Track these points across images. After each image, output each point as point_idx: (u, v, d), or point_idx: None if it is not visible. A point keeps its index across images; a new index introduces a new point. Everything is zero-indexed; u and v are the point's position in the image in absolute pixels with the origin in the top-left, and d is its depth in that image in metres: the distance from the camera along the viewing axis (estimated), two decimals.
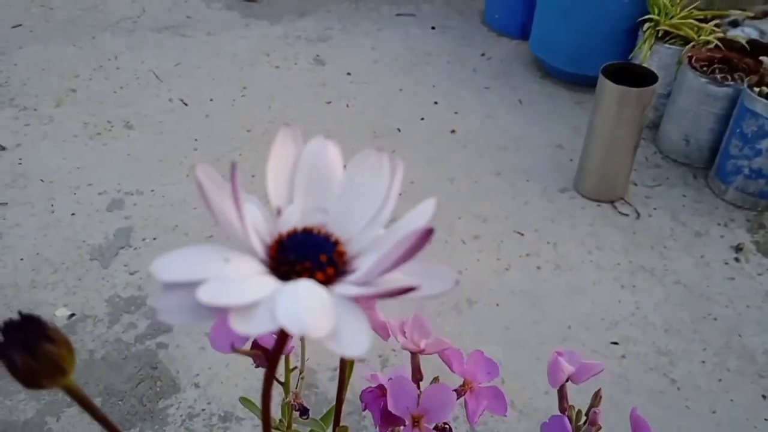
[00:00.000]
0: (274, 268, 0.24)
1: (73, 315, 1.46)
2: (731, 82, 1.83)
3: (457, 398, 0.52)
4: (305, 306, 0.21)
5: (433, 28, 2.66)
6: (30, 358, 0.27)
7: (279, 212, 0.27)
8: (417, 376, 0.55)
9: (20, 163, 1.88)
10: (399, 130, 2.07)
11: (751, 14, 2.13)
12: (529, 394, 1.32)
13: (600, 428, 0.57)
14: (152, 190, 1.80)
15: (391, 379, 0.53)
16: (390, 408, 0.51)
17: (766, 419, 1.32)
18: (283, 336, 0.27)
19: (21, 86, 2.20)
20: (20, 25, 2.54)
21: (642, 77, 1.69)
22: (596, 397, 0.55)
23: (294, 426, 0.62)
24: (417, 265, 0.23)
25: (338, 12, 2.74)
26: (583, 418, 0.56)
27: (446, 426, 0.53)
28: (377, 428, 0.54)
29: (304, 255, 0.24)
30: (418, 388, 0.52)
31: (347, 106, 2.19)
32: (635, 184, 1.88)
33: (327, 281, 0.24)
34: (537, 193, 1.86)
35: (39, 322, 0.28)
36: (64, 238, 1.65)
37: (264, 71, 2.35)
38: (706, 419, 1.31)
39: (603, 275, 1.61)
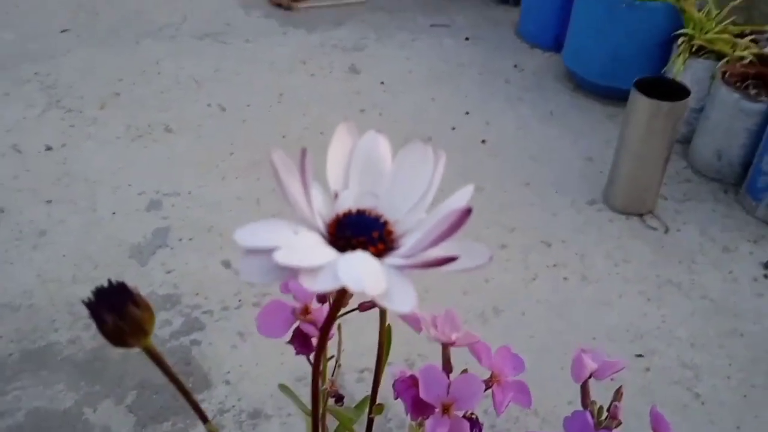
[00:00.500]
0: (333, 242, 0.28)
1: None
2: (765, 98, 1.83)
3: (485, 390, 0.55)
4: (362, 270, 0.25)
5: (466, 39, 2.69)
6: (118, 319, 0.32)
7: (336, 196, 0.31)
8: (447, 367, 0.58)
9: (65, 163, 1.96)
10: (430, 138, 2.10)
11: None
12: (552, 403, 1.34)
13: (620, 423, 0.59)
14: (189, 192, 1.86)
15: (422, 370, 0.57)
16: (422, 395, 0.54)
17: None
18: (340, 298, 0.31)
19: (67, 89, 2.29)
20: (68, 30, 2.64)
21: (675, 91, 1.70)
22: (618, 393, 0.58)
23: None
24: (456, 242, 0.27)
25: (373, 22, 2.79)
26: (605, 414, 0.58)
27: (473, 416, 0.56)
28: (408, 416, 0.57)
29: (358, 232, 0.28)
30: (448, 378, 0.55)
31: (380, 114, 2.23)
32: (665, 198, 1.89)
33: (378, 254, 0.28)
34: (566, 205, 1.87)
35: (126, 288, 0.32)
36: (105, 236, 1.72)
37: (300, 79, 2.41)
38: None
39: (629, 288, 1.62)
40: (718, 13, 2.04)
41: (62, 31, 2.63)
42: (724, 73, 1.91)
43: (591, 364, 0.58)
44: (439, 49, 2.61)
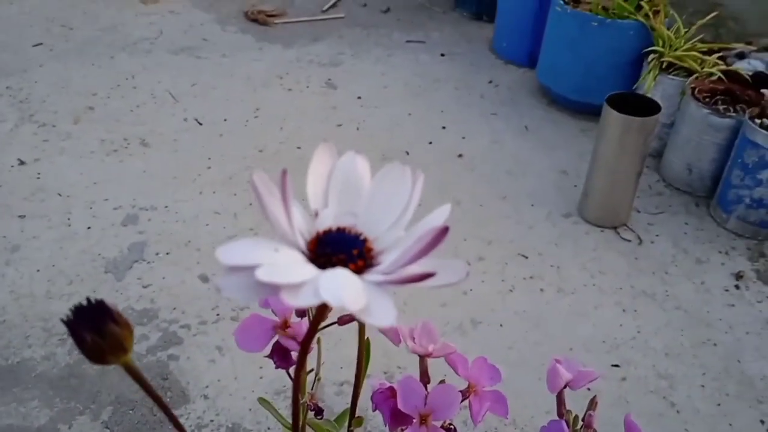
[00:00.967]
0: (313, 260, 0.28)
1: None
2: (733, 114, 1.88)
3: (462, 400, 0.56)
4: (342, 286, 0.25)
5: (442, 55, 2.73)
6: (97, 337, 0.32)
7: (317, 214, 0.31)
8: (425, 379, 0.59)
9: (38, 178, 1.94)
10: (407, 153, 2.12)
11: (754, 48, 2.18)
12: (530, 413, 1.35)
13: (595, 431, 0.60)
14: (166, 207, 1.85)
15: (400, 381, 0.57)
16: (399, 406, 0.54)
17: None
18: (320, 313, 0.31)
19: (40, 103, 2.26)
20: (41, 43, 2.61)
21: (646, 107, 1.74)
22: (592, 403, 0.59)
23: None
24: (433, 259, 0.27)
25: (350, 38, 2.81)
26: (580, 423, 0.59)
27: (451, 426, 0.56)
28: (387, 427, 0.58)
29: (338, 249, 0.29)
30: (426, 389, 0.55)
31: (357, 129, 2.24)
32: (638, 211, 1.92)
33: (357, 271, 0.28)
34: (541, 218, 1.89)
35: (105, 306, 0.32)
36: (80, 251, 1.70)
37: (277, 93, 2.41)
38: None
39: (605, 299, 1.64)
40: (687, 31, 2.10)
41: (35, 45, 2.60)
42: (693, 89, 1.96)
43: (566, 374, 0.59)
44: (415, 65, 2.64)
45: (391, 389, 0.57)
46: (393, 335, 0.59)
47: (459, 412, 0.55)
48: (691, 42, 2.07)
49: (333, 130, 2.22)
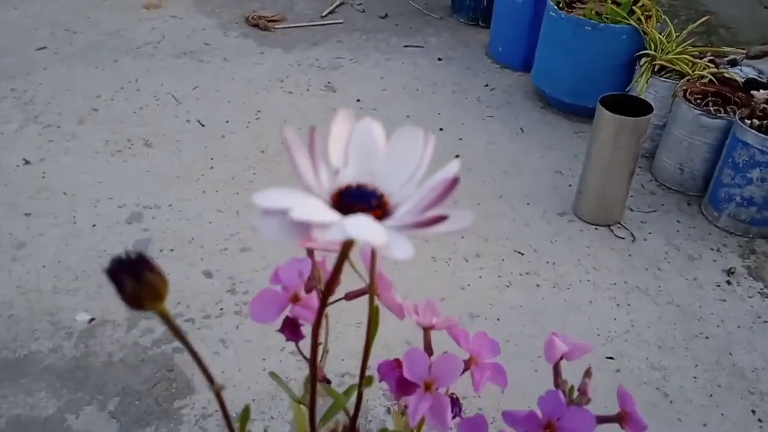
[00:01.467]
0: (336, 209, 0.32)
1: (93, 320, 1.53)
2: (724, 115, 1.93)
3: (464, 371, 0.59)
4: (366, 224, 0.29)
5: (439, 59, 2.77)
6: (136, 284, 0.35)
7: (337, 173, 0.35)
8: (428, 350, 0.62)
9: (44, 177, 1.97)
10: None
11: (745, 52, 2.24)
12: (527, 404, 1.38)
13: (590, 400, 0.64)
14: (170, 205, 1.88)
15: (406, 352, 0.61)
16: (405, 375, 0.58)
17: None
18: (345, 251, 0.35)
19: (45, 105, 2.30)
20: (45, 47, 2.65)
21: (638, 108, 1.78)
22: (587, 373, 0.62)
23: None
24: (443, 209, 0.31)
25: (349, 42, 2.86)
26: (576, 393, 0.63)
27: (453, 395, 0.60)
28: (393, 396, 0.61)
29: (359, 200, 0.33)
30: (429, 359, 0.59)
31: None
32: (631, 210, 1.97)
33: (376, 219, 0.32)
34: (537, 216, 1.94)
35: (144, 257, 0.36)
36: (85, 248, 1.73)
37: (278, 96, 2.45)
38: (697, 431, 1.37)
39: (599, 294, 1.68)
40: (678, 35, 2.15)
41: (39, 49, 2.64)
42: (685, 91, 2.01)
43: (562, 346, 0.62)
44: (413, 69, 2.68)
45: (397, 360, 0.60)
46: (397, 310, 0.62)
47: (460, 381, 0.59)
48: (682, 46, 2.12)
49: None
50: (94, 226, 1.81)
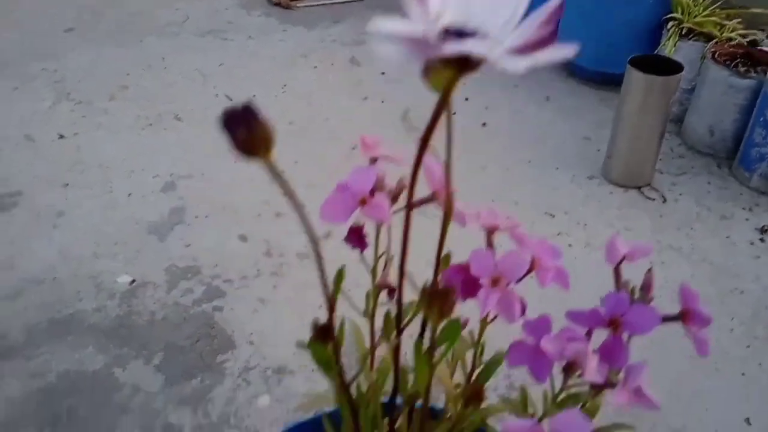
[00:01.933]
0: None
1: (134, 281, 1.56)
2: (754, 74, 1.92)
3: (527, 272, 0.61)
4: (478, 41, 0.31)
5: None
6: (248, 133, 0.37)
7: (438, 16, 0.37)
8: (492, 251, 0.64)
9: (78, 150, 2.01)
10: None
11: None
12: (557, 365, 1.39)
13: (653, 298, 0.65)
14: (203, 174, 1.91)
15: (472, 253, 0.62)
16: (472, 272, 0.59)
17: None
18: (447, 93, 0.37)
19: (76, 83, 2.34)
20: (72, 29, 2.69)
21: (668, 69, 1.78)
22: (649, 272, 0.64)
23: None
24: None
25: (371, 19, 2.87)
26: (637, 294, 0.64)
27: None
28: (460, 297, 0.63)
29: (464, 35, 0.34)
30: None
31: (382, 102, 2.29)
32: (661, 173, 1.96)
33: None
34: (566, 180, 1.94)
35: (253, 108, 0.38)
36: (123, 216, 1.76)
37: (302, 71, 2.47)
38: (736, 380, 1.38)
39: None
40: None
41: (66, 31, 2.68)
42: (713, 53, 2.00)
43: (624, 248, 0.64)
44: None
45: (461, 265, 0.62)
46: (459, 218, 0.64)
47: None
48: (710, 9, 2.11)
49: (359, 103, 2.28)
50: (129, 195, 1.84)
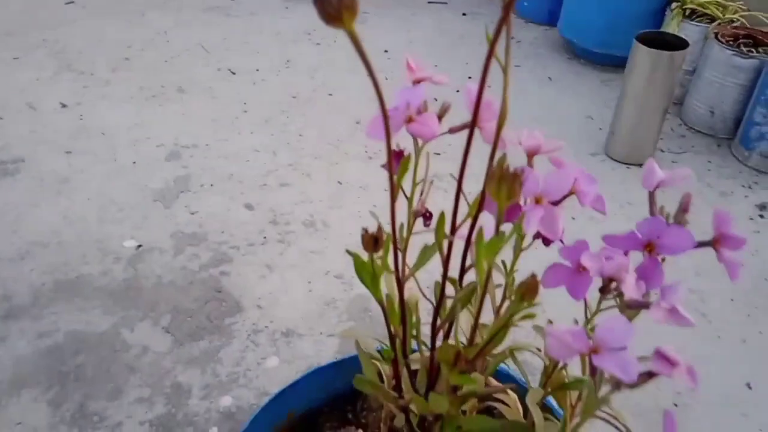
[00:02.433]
0: None
1: (140, 246, 1.56)
2: (756, 54, 1.94)
3: (567, 195, 0.62)
4: None
5: (464, 14, 2.78)
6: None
7: None
8: None
9: (81, 119, 2.00)
10: (435, 99, 2.17)
11: None
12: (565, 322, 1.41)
13: (687, 221, 0.66)
14: (207, 144, 1.91)
15: None
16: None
17: None
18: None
19: (77, 54, 2.32)
20: (73, 2, 2.67)
21: (672, 47, 1.79)
22: (686, 196, 0.65)
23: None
24: None
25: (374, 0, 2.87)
26: (671, 219, 0.65)
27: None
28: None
29: None
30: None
31: (386, 78, 2.28)
32: (662, 151, 1.98)
33: None
34: (569, 156, 1.95)
35: None
36: (128, 183, 1.76)
37: (306, 47, 2.47)
38: (737, 347, 1.40)
39: (634, 226, 1.70)
40: None
41: (67, 3, 2.66)
42: (716, 33, 2.01)
43: (660, 173, 0.65)
44: (438, 23, 2.69)
45: None
46: (501, 143, 0.65)
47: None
48: None
49: (362, 79, 2.27)
50: (134, 163, 1.83)
